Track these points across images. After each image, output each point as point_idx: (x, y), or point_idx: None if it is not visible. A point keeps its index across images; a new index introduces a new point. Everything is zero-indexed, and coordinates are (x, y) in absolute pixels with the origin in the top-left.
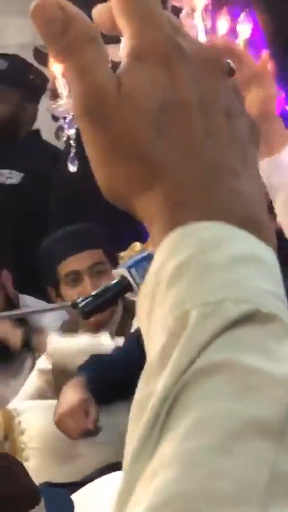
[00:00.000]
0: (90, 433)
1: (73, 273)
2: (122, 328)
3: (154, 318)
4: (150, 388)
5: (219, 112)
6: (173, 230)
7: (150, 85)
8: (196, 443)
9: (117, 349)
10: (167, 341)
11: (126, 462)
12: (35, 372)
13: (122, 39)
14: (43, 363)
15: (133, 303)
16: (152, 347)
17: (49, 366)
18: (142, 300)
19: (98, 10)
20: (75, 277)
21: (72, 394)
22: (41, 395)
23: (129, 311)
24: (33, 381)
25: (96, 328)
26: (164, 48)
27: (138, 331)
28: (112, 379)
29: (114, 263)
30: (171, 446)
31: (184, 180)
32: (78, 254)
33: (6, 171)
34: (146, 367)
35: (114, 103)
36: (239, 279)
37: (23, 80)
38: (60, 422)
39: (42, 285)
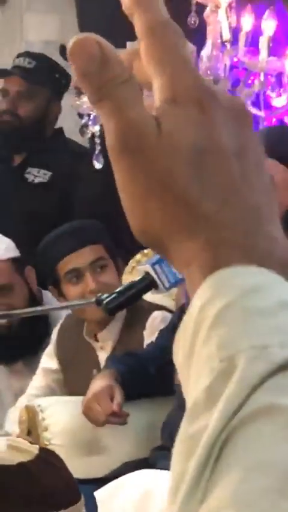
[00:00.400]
0: (117, 419)
1: (74, 271)
2: (127, 326)
3: (196, 356)
4: (197, 426)
5: (251, 159)
6: (216, 271)
7: (188, 127)
8: (255, 485)
9: (151, 344)
10: (214, 382)
11: (175, 502)
12: (40, 371)
13: (154, 84)
14: (48, 361)
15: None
16: (194, 386)
17: (55, 365)
18: (181, 336)
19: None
20: (77, 275)
21: (99, 382)
22: (48, 394)
23: (135, 308)
24: (39, 379)
25: (103, 325)
26: (198, 93)
27: (173, 325)
28: (143, 375)
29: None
30: (227, 488)
31: (225, 221)
32: (77, 251)
33: (35, 170)
34: (189, 407)
35: (154, 142)
36: (283, 324)
37: (50, 78)
38: (87, 410)
39: (44, 284)
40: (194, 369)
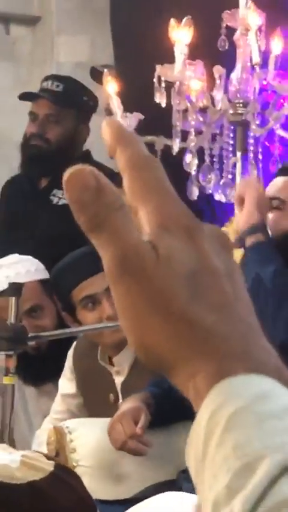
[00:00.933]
0: (136, 444)
1: (90, 297)
2: None
3: (209, 460)
4: None
5: (237, 279)
6: (221, 381)
7: (181, 252)
8: None
9: None
10: (233, 479)
11: None
12: (59, 396)
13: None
14: (67, 386)
15: None
16: (211, 488)
17: (73, 389)
18: (193, 442)
19: None
20: (93, 301)
21: (127, 404)
22: (70, 418)
23: None
24: (59, 403)
25: (118, 349)
26: (185, 221)
27: None
28: (179, 397)
29: None
30: None
31: (225, 334)
32: (92, 277)
33: (59, 192)
34: (211, 508)
35: (153, 265)
36: None
37: (78, 101)
38: (110, 430)
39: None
40: (208, 472)
